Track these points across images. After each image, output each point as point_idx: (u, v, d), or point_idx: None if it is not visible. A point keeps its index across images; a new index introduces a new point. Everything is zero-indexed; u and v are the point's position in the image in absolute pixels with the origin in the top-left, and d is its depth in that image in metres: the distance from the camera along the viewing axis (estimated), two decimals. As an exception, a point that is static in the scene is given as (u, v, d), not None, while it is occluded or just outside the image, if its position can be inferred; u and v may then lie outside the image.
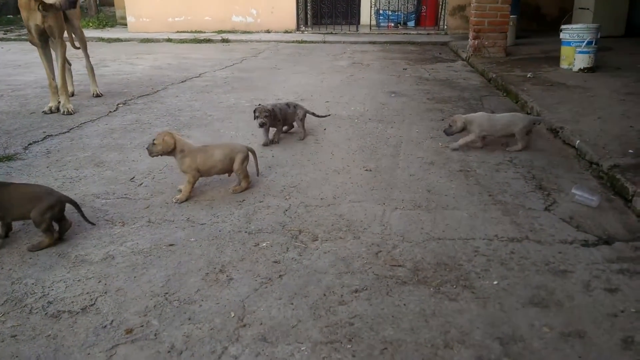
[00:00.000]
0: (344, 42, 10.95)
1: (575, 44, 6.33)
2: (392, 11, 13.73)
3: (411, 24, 13.74)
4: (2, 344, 1.77)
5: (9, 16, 17.98)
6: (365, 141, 4.01)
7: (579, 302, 1.99)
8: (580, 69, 6.25)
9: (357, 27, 13.16)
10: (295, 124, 4.15)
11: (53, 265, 2.25)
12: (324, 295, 2.04)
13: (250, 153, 3.10)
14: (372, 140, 4.03)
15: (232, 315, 1.91)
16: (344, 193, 3.03)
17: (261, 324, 1.87)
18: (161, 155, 2.91)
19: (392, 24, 13.59)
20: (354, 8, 14.22)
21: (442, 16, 12.98)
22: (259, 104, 3.87)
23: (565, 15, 8.90)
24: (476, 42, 7.91)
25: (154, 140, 2.89)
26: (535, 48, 8.69)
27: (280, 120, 3.94)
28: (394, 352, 1.73)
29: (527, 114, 4.54)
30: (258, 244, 2.44)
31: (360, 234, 2.53)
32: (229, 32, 12.58)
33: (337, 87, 6.22)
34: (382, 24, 13.66)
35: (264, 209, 2.83)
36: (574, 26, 6.54)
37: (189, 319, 1.89)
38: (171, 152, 2.88)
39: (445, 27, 12.48)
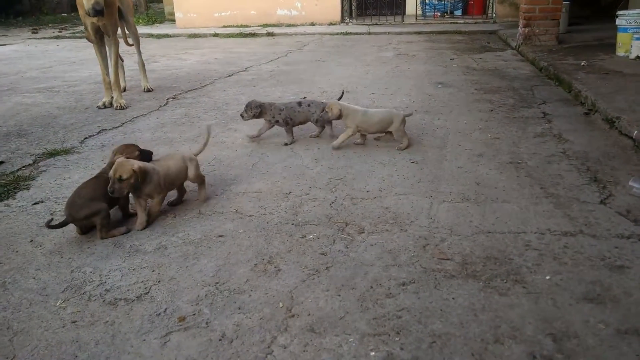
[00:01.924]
0: (389, 33, 10.84)
1: (632, 30, 6.04)
2: (438, 0, 13.47)
3: (458, 12, 13.43)
4: (64, 329, 1.86)
5: (63, 14, 18.71)
6: (412, 133, 3.96)
7: (637, 299, 1.92)
8: (637, 57, 5.96)
9: (402, 18, 12.99)
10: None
11: (109, 254, 2.35)
12: (371, 287, 2.04)
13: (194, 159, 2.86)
14: (418, 132, 3.98)
15: (281, 305, 1.94)
16: (390, 185, 3.02)
17: (309, 314, 1.89)
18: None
19: (439, 14, 13.34)
20: (400, -2, 14.04)
21: (490, 4, 12.63)
22: (253, 99, 3.78)
23: (621, 0, 8.49)
24: (527, 30, 7.66)
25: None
26: (589, 35, 8.34)
27: (286, 123, 3.79)
28: (442, 346, 1.71)
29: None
30: (305, 236, 2.46)
31: (407, 227, 2.51)
32: (274, 25, 12.68)
33: (382, 78, 6.17)
34: (428, 14, 13.42)
35: (310, 201, 2.85)
36: (631, 12, 6.24)
37: (239, 309, 1.93)
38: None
39: (494, 15, 12.15)
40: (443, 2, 13.45)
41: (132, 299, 2.01)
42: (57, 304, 1.99)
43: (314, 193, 2.95)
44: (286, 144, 3.80)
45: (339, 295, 1.99)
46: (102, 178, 2.58)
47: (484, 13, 12.97)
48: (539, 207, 2.67)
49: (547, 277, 2.06)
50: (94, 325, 1.87)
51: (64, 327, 1.87)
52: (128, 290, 2.07)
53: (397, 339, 1.75)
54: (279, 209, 2.76)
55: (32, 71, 7.46)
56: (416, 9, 13.20)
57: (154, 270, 2.20)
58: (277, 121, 3.80)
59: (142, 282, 2.12)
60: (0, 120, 4.71)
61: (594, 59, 6.23)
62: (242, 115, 3.76)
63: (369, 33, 11.00)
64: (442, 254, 2.27)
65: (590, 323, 1.80)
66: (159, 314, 1.92)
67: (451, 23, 11.94)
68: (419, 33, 10.69)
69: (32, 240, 2.49)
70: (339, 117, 3.59)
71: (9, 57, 9.15)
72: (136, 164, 2.51)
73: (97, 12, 4.57)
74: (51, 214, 2.74)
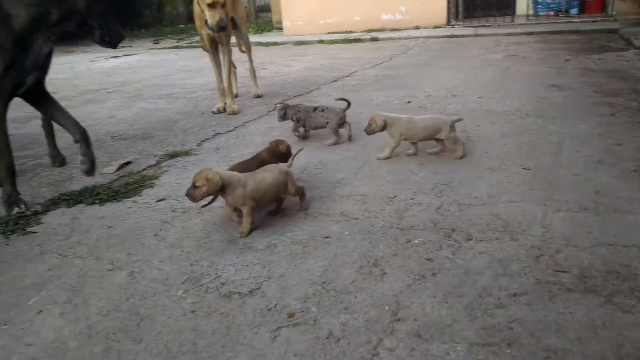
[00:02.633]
0: (497, 35, 10.44)
1: None
2: (552, -1, 12.73)
3: (574, 11, 12.59)
4: (184, 318, 2.00)
5: (180, 25, 20.10)
6: (523, 138, 3.80)
7: None
8: None
9: (512, 18, 12.44)
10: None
11: (224, 250, 2.49)
12: (480, 296, 1.99)
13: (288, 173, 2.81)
14: (530, 137, 3.81)
15: (386, 308, 1.95)
16: (500, 192, 2.91)
17: (415, 319, 1.88)
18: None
19: (552, 13, 12.58)
20: (509, -2, 13.46)
21: (611, 1, 11.72)
22: (282, 101, 4.33)
23: None
24: (655, 27, 7.02)
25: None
26: None
27: (298, 122, 4.06)
28: (558, 362, 1.63)
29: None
30: (410, 241, 2.45)
31: (519, 236, 2.41)
32: (378, 30, 12.70)
33: (490, 81, 5.97)
34: (540, 13, 12.72)
35: (415, 206, 2.83)
36: None
37: (345, 309, 1.97)
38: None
39: (615, 12, 11.24)
40: (557, 1, 12.68)
41: (245, 293, 2.12)
42: (178, 294, 2.16)
43: (419, 198, 2.93)
44: (296, 136, 4.16)
45: (446, 303, 1.96)
46: (255, 160, 3.00)
47: (603, 11, 12.03)
48: (670, 219, 2.44)
49: (680, 297, 1.89)
50: (210, 316, 2.00)
51: (184, 315, 2.02)
52: (241, 284, 2.19)
53: (508, 351, 1.69)
54: (383, 213, 2.77)
55: (154, 79, 8.11)
56: (527, 9, 12.56)
57: (264, 267, 2.31)
58: (294, 120, 4.10)
59: (253, 277, 2.23)
60: (128, 124, 5.17)
61: None
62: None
63: (476, 35, 10.66)
64: (558, 265, 2.15)
65: None
66: (270, 309, 2.01)
67: (566, 22, 11.23)
68: (530, 34, 10.18)
69: (156, 234, 2.71)
70: (384, 128, 3.51)
71: (134, 66, 10.02)
72: (212, 173, 2.51)
73: (221, 28, 4.85)
74: (172, 211, 2.97)
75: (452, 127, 3.47)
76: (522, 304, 1.92)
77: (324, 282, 2.16)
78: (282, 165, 2.83)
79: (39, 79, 3.22)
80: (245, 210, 2.60)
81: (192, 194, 2.53)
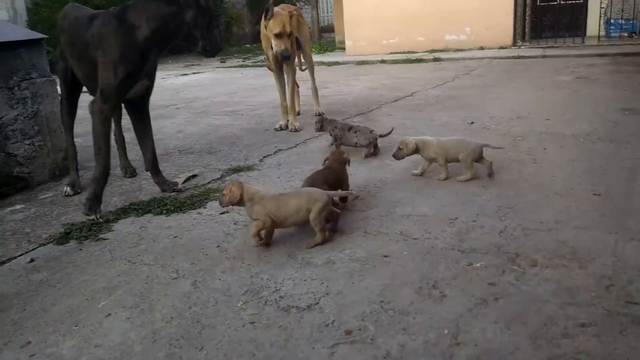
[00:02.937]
0: (566, 56, 10.12)
1: None
2: (625, 20, 12.24)
3: (649, 32, 12.06)
4: (243, 329, 2.04)
5: (246, 45, 20.75)
6: (593, 163, 3.64)
7: None
8: None
9: (582, 39, 12.05)
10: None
11: (284, 264, 2.53)
12: (545, 325, 1.92)
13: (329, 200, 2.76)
14: (601, 162, 3.65)
15: (446, 332, 1.92)
16: (568, 218, 2.80)
17: (475, 345, 1.83)
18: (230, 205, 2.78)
19: (626, 34, 12.11)
20: (580, 19, 13.04)
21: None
22: (325, 115, 4.84)
23: None
24: None
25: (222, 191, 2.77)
26: None
27: (336, 139, 4.34)
28: (630, 399, 1.54)
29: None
30: (472, 264, 2.40)
31: (588, 264, 2.31)
32: (441, 50, 12.62)
33: (558, 103, 5.78)
34: (612, 35, 12.26)
35: (477, 228, 2.77)
36: None
37: (404, 329, 1.95)
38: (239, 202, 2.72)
39: (697, 33, 10.66)
40: (632, 22, 12.17)
41: (303, 308, 2.14)
42: (239, 304, 2.20)
43: (482, 220, 2.86)
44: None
45: (509, 329, 1.90)
46: (328, 169, 3.20)
47: (684, 31, 11.45)
48: None
49: None
50: (269, 328, 2.03)
51: (243, 326, 2.06)
52: (299, 299, 2.21)
53: (574, 383, 1.62)
54: (444, 234, 2.73)
55: (220, 96, 8.40)
56: (599, 30, 12.13)
57: (322, 283, 2.32)
58: (332, 135, 4.40)
59: (312, 292, 2.25)
60: (195, 139, 5.38)
61: None
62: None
63: (544, 56, 10.38)
64: (630, 297, 2.04)
65: None
66: (327, 325, 2.02)
67: (641, 43, 10.75)
68: (602, 55, 9.81)
69: (219, 246, 2.79)
70: (416, 151, 3.48)
71: (202, 83, 10.42)
72: (236, 186, 2.68)
73: (284, 57, 5.08)
74: (234, 223, 3.05)
75: (473, 151, 3.45)
76: (590, 335, 1.84)
77: (382, 302, 2.14)
78: (320, 192, 2.74)
79: (147, 89, 3.57)
80: (255, 222, 2.68)
81: (220, 199, 2.78)
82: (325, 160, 3.34)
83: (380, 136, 4.26)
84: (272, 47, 5.09)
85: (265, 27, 5.11)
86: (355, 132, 4.24)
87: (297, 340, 1.94)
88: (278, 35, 4.95)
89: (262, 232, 2.70)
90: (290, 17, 5.04)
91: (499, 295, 2.12)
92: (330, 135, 4.44)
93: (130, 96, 3.47)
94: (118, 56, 3.21)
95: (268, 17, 4.95)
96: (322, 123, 4.45)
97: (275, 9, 5.00)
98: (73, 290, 2.44)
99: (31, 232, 3.15)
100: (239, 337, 1.99)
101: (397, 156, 3.55)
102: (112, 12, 3.34)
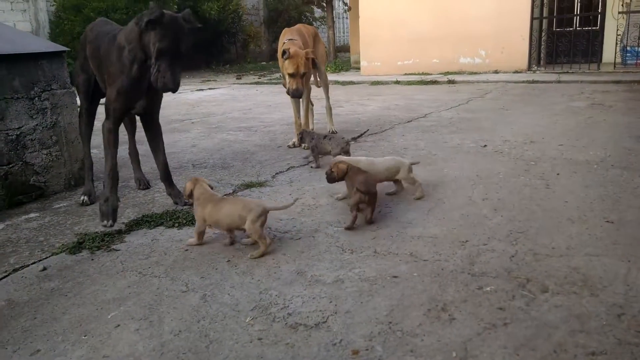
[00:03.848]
0: (581, 82, 10.11)
1: None
2: (642, 46, 12.23)
3: (667, 60, 12.02)
4: (251, 344, 2.04)
5: (262, 63, 21.00)
6: (607, 189, 3.62)
7: None
8: None
9: (598, 66, 12.03)
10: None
11: (293, 281, 2.54)
12: (554, 351, 1.90)
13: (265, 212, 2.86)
14: (615, 189, 3.63)
15: (454, 355, 1.90)
16: (580, 244, 2.78)
17: (483, 369, 1.82)
18: None
19: (643, 61, 12.08)
20: (596, 45, 13.03)
21: None
22: (304, 129, 5.18)
23: None
24: None
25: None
26: None
27: (313, 150, 4.60)
28: None
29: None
30: (481, 287, 2.38)
31: (599, 292, 2.29)
32: (455, 73, 12.68)
33: (572, 129, 5.76)
34: (629, 62, 12.24)
35: (488, 252, 2.76)
36: None
37: (411, 351, 1.94)
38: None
39: None
40: (649, 49, 12.17)
41: (311, 326, 2.14)
42: (247, 320, 2.21)
43: (493, 244, 2.85)
44: (312, 167, 4.63)
45: (518, 355, 1.89)
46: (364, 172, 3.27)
47: (701, 60, 11.40)
48: None
49: None
50: (276, 345, 2.03)
51: (251, 342, 2.06)
52: (307, 317, 2.21)
53: (583, 412, 1.59)
54: (454, 257, 2.72)
55: (235, 112, 8.49)
56: (615, 57, 12.12)
57: (331, 302, 2.32)
58: (309, 146, 4.66)
59: (320, 311, 2.25)
60: (208, 154, 5.43)
61: None
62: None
63: (559, 81, 10.38)
64: (642, 327, 2.02)
65: None
66: (335, 344, 2.01)
67: (658, 71, 10.72)
68: (618, 82, 9.78)
69: (229, 261, 2.80)
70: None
71: (217, 99, 10.54)
72: (190, 183, 3.03)
73: (295, 96, 5.25)
74: (242, 237, 3.07)
75: (410, 169, 3.61)
76: (601, 364, 1.82)
77: (390, 322, 2.14)
78: (256, 202, 2.93)
79: (147, 108, 3.62)
80: (196, 224, 2.99)
81: (183, 192, 3.14)
82: (331, 172, 3.34)
83: (353, 139, 4.67)
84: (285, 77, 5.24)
85: (281, 57, 5.24)
86: (329, 140, 4.49)
87: (303, 358, 1.93)
88: (292, 75, 5.13)
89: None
90: (307, 59, 5.13)
91: (508, 320, 2.11)
92: (308, 147, 4.74)
93: (136, 112, 3.60)
94: (114, 74, 3.36)
95: (285, 57, 5.07)
96: (302, 135, 4.87)
97: (293, 49, 5.11)
98: (83, 299, 2.46)
99: (45, 241, 3.19)
100: (246, 352, 1.99)
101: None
102: (116, 31, 3.48)
